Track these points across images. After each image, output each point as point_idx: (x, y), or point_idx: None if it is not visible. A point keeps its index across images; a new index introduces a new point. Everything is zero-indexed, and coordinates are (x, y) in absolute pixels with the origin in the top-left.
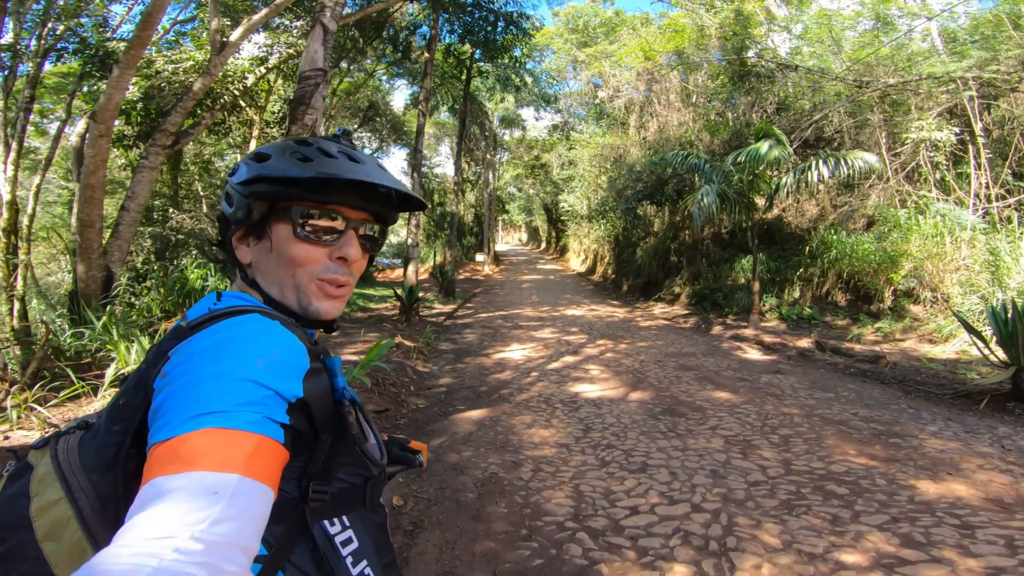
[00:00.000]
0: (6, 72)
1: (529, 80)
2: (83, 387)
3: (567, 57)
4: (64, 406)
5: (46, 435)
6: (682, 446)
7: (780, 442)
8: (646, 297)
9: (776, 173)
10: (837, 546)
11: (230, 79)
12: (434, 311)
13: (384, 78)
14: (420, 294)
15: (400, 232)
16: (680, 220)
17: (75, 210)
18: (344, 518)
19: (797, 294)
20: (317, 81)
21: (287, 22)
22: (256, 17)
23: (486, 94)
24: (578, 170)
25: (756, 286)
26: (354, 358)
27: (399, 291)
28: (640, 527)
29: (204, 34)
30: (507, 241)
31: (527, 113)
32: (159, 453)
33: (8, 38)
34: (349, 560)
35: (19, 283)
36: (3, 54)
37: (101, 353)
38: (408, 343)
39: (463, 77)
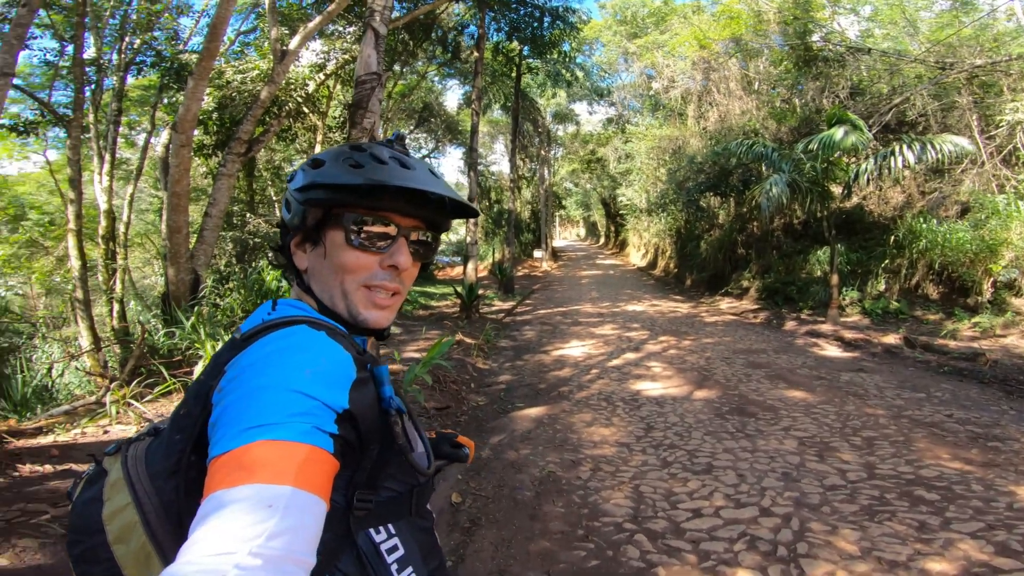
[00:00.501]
0: (93, 86)
1: (580, 74)
2: (174, 384)
3: (617, 49)
4: (157, 402)
5: (119, 441)
6: (751, 447)
7: (863, 445)
8: (711, 292)
9: (853, 160)
10: (923, 554)
11: (293, 87)
12: (493, 308)
13: (436, 79)
14: (480, 291)
15: (460, 230)
16: (747, 211)
17: (164, 217)
18: (390, 526)
19: (882, 287)
20: (373, 85)
21: (340, 28)
22: (311, 25)
23: (537, 90)
24: (635, 163)
25: (835, 279)
26: (416, 356)
27: (459, 289)
28: (703, 530)
29: (266, 43)
30: (565, 237)
31: (580, 108)
32: (216, 466)
33: (91, 53)
34: (394, 567)
35: (118, 286)
36: (88, 68)
37: (190, 351)
38: (468, 340)
39: (513, 74)
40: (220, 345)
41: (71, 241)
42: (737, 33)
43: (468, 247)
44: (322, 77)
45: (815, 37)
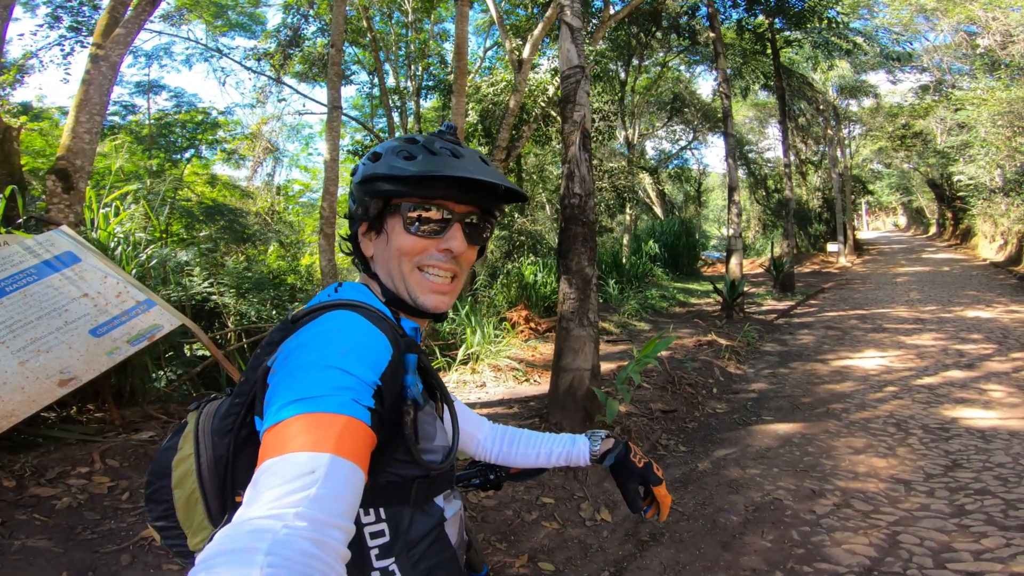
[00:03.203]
0: (399, 109)
1: (859, 40)
2: (442, 362)
3: (909, 8)
4: None
5: (203, 399)
6: None
7: None
8: None
9: None
10: None
11: (535, 93)
12: (763, 308)
13: (683, 68)
14: (747, 289)
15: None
16: None
17: None
18: (381, 510)
19: None
20: (578, 78)
21: None
22: (536, 32)
23: (807, 64)
24: (976, 134)
25: None
26: (664, 354)
27: (719, 285)
28: None
29: (507, 56)
30: (876, 227)
31: (875, 78)
32: (267, 438)
33: (391, 82)
34: (375, 552)
35: None
36: (393, 96)
37: (464, 336)
38: (722, 341)
39: (768, 52)
40: (478, 333)
41: None
42: None
43: (731, 240)
44: (559, 81)
45: None
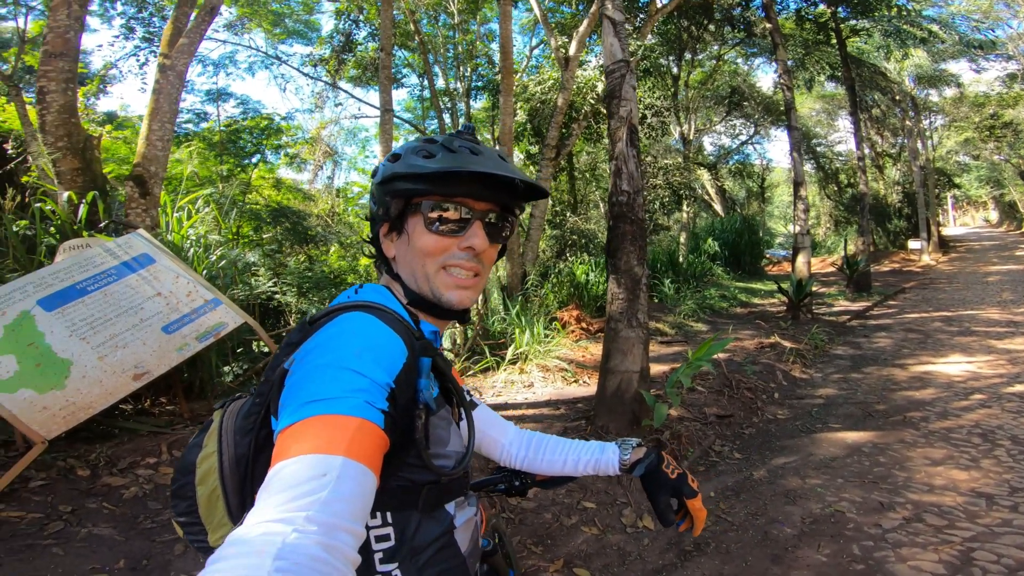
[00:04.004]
0: (449, 111)
1: (935, 28)
2: (491, 361)
3: None
4: (475, 377)
5: (230, 397)
6: None
7: None
8: None
9: None
10: None
11: (584, 90)
12: (835, 309)
13: (739, 60)
14: (815, 288)
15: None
16: None
17: None
18: (388, 514)
19: None
20: (622, 72)
21: None
22: (581, 29)
23: (879, 54)
24: None
25: None
26: (721, 356)
27: (783, 285)
28: None
29: (553, 54)
30: (963, 223)
31: (956, 67)
32: (281, 439)
33: (440, 83)
34: (378, 556)
35: None
36: (444, 98)
37: (513, 336)
38: (786, 344)
39: (833, 42)
40: (527, 333)
41: None
42: None
43: (798, 238)
44: (604, 76)
45: None
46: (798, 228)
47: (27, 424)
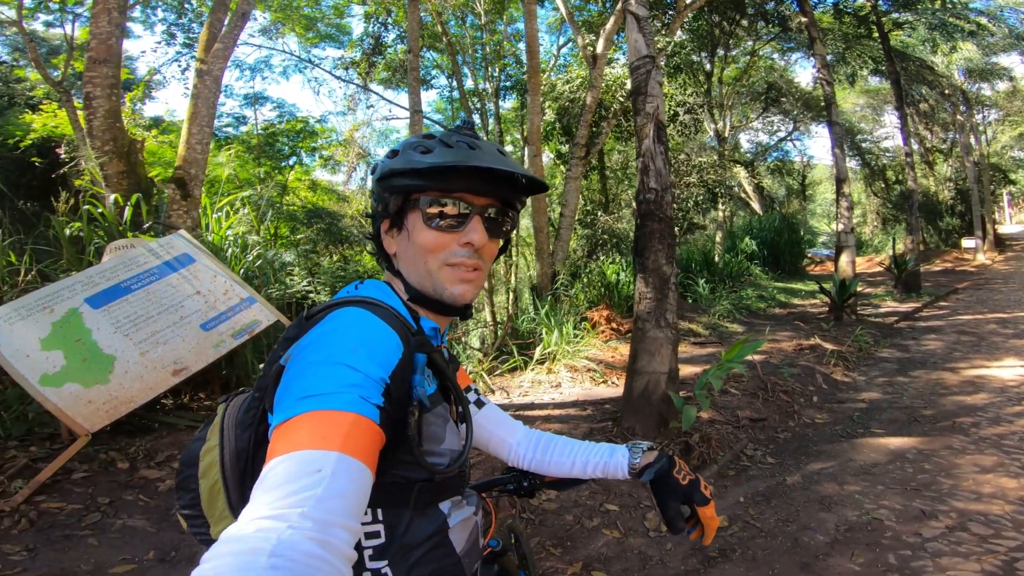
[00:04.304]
0: (479, 111)
1: (983, 21)
2: (519, 361)
3: None
4: (503, 376)
5: (234, 392)
6: None
7: None
8: None
9: None
10: None
11: (613, 88)
12: (881, 310)
13: (775, 55)
14: (860, 288)
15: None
16: None
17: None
18: (379, 510)
19: None
20: (648, 68)
21: None
22: (608, 27)
23: (924, 48)
24: None
25: None
26: (756, 358)
27: (825, 285)
28: None
29: (580, 53)
30: (1020, 220)
31: (1008, 60)
32: (275, 435)
33: (469, 84)
34: (368, 552)
35: (512, 278)
36: (473, 98)
37: (541, 336)
38: (827, 346)
39: (875, 35)
40: (556, 332)
41: None
42: None
43: (841, 236)
44: (629, 72)
45: None
46: (842, 226)
47: (72, 417)
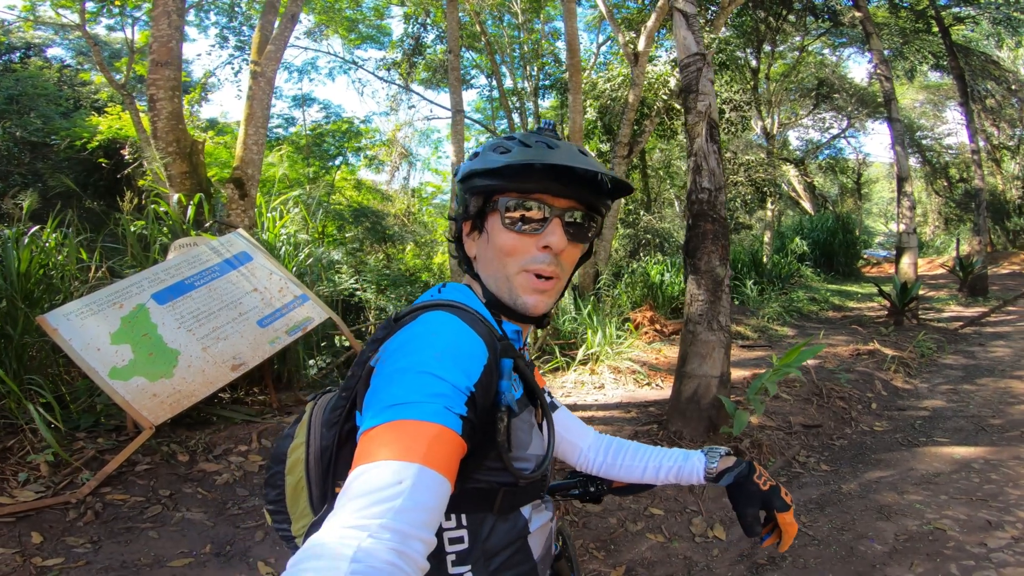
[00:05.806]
0: (519, 110)
1: None
2: (561, 362)
3: None
4: (545, 376)
5: (323, 390)
6: None
7: None
8: None
9: None
10: None
11: (655, 86)
12: (945, 314)
13: (826, 51)
14: (922, 292)
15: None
16: None
17: None
18: (463, 516)
19: None
20: (698, 66)
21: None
22: (649, 24)
23: (989, 42)
24: None
25: None
26: (811, 364)
27: (885, 288)
28: None
29: (621, 51)
30: None
31: None
32: (362, 441)
33: (508, 83)
34: (451, 558)
35: None
36: (512, 97)
37: (584, 336)
38: (887, 351)
39: (934, 30)
40: (599, 333)
41: None
42: None
43: (902, 237)
44: (679, 71)
45: None
46: (903, 226)
47: (138, 410)
